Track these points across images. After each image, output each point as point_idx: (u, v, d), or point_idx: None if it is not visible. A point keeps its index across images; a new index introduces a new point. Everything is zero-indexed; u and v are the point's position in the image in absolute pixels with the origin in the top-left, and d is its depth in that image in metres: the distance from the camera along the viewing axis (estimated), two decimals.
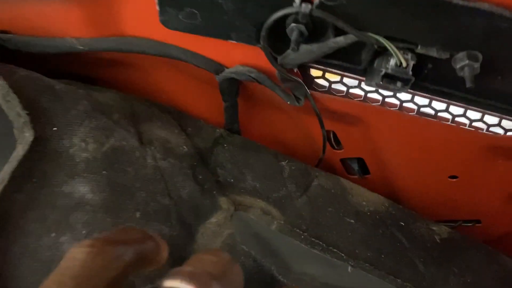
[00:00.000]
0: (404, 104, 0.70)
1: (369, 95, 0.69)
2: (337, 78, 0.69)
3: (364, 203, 0.73)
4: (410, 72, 0.52)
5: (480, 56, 0.51)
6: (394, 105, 0.70)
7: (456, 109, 0.69)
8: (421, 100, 0.69)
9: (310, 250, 0.63)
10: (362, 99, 0.69)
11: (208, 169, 0.65)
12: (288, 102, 0.63)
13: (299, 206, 0.67)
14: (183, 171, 0.58)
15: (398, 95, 0.69)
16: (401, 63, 0.52)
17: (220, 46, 0.59)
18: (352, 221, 0.68)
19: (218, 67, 0.63)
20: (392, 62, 0.53)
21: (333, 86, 0.70)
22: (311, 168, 0.77)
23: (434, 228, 0.74)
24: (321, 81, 0.70)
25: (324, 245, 0.64)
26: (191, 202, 0.57)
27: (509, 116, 0.66)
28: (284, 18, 0.52)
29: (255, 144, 0.76)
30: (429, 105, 0.69)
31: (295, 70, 0.65)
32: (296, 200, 0.68)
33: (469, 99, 0.59)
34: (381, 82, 0.54)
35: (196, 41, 0.59)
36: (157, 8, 0.54)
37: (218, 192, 0.61)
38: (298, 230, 0.63)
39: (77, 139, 0.52)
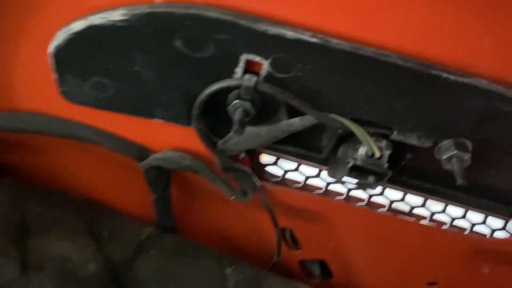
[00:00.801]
0: (373, 199, 0.58)
1: (331, 187, 0.57)
2: (293, 165, 0.57)
3: None
4: (386, 164, 0.41)
5: (470, 145, 0.40)
6: (361, 200, 0.58)
7: (434, 205, 0.58)
8: (393, 194, 0.58)
9: None
10: (323, 191, 0.57)
11: None
12: (232, 197, 0.50)
13: None
14: None
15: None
16: (373, 153, 0.40)
17: (143, 125, 0.46)
18: None
19: (142, 152, 0.49)
20: (362, 151, 0.41)
21: (288, 175, 0.57)
22: (263, 274, 0.62)
23: None
24: (273, 169, 0.58)
25: None
26: None
27: (498, 214, 0.55)
28: (224, 92, 0.40)
29: (193, 246, 0.61)
30: (403, 200, 0.58)
31: (241, 155, 0.52)
32: None
33: (456, 197, 0.48)
34: (347, 176, 0.42)
35: (112, 118, 0.46)
36: (55, 76, 0.40)
37: None
38: None
39: None
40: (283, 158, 0.57)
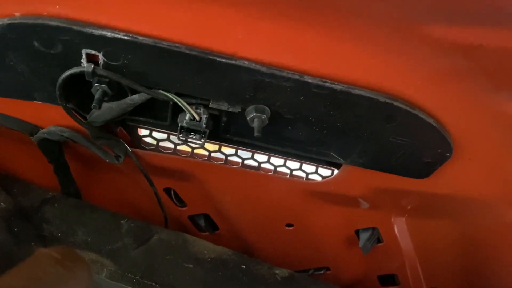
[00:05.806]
0: (230, 158, 0.74)
1: (196, 151, 0.73)
2: (164, 136, 0.72)
3: (205, 251, 0.74)
4: (204, 125, 0.56)
5: (267, 109, 0.56)
6: (220, 160, 0.74)
7: (277, 160, 0.75)
8: (244, 154, 0.74)
9: None
10: (189, 155, 0.73)
11: (31, 224, 0.63)
12: (107, 160, 0.65)
13: (134, 256, 0.67)
14: None
15: (223, 150, 0.74)
16: (194, 117, 0.56)
17: (30, 107, 0.60)
18: (190, 265, 0.69)
19: (33, 129, 0.63)
20: (187, 116, 0.57)
21: (161, 144, 0.72)
22: (154, 227, 0.77)
23: (276, 271, 0.76)
24: (149, 140, 0.73)
25: (159, 286, 0.64)
26: (1, 251, 0.55)
27: (309, 161, 0.72)
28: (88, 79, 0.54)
29: (93, 205, 0.75)
30: (252, 158, 0.74)
31: (118, 129, 0.67)
32: (132, 251, 0.68)
33: (269, 149, 0.64)
34: (180, 136, 0.58)
35: (8, 102, 0.60)
36: None
37: (38, 244, 0.59)
38: (130, 275, 0.63)
39: None
40: (155, 131, 0.72)
